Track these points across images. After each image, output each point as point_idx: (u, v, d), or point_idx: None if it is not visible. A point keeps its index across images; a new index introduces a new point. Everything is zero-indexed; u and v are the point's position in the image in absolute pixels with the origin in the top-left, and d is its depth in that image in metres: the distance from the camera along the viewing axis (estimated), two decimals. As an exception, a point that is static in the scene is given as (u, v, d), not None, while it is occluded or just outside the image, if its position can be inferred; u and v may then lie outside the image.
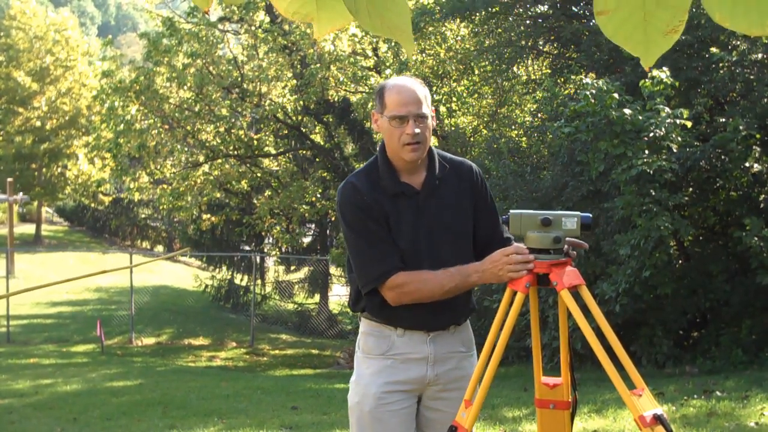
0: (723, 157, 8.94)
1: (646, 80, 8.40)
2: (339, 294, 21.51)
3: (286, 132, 18.47)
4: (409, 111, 2.54)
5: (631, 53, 1.09)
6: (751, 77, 9.36)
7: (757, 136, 8.77)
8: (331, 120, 17.51)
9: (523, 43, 12.89)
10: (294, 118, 18.05)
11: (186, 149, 17.80)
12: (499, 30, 13.37)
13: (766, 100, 9.10)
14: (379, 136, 19.25)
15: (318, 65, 15.71)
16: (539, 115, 12.06)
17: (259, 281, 20.20)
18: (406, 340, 2.61)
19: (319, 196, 17.86)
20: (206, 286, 21.07)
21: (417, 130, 2.54)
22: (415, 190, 2.61)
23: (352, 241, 2.61)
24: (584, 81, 8.90)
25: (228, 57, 17.55)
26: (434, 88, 15.85)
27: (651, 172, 8.16)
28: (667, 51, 1.07)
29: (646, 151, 8.28)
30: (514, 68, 14.09)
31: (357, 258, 2.60)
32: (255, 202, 19.00)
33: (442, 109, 16.03)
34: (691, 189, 9.37)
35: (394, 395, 2.61)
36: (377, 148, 2.67)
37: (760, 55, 9.18)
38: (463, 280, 2.53)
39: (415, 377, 2.62)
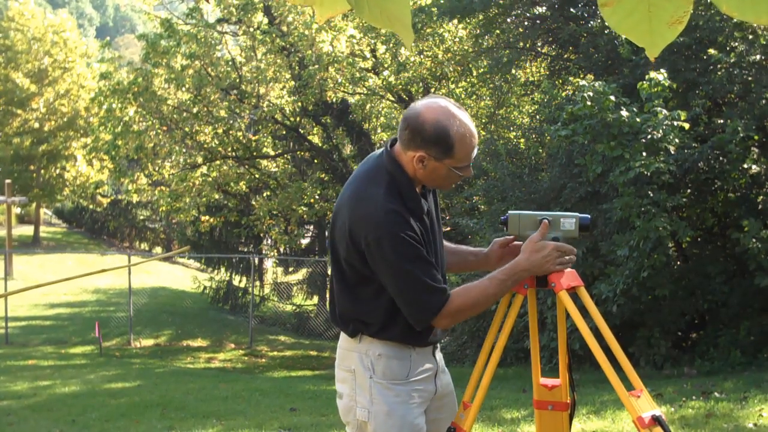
0: (721, 158, 8.94)
1: (644, 82, 8.38)
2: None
3: (285, 133, 18.46)
4: (474, 155, 2.45)
5: (636, 44, 1.09)
6: (749, 78, 9.36)
7: (755, 137, 8.77)
8: (329, 121, 17.51)
9: (521, 44, 12.90)
10: (292, 119, 18.03)
11: (184, 151, 17.78)
12: (497, 31, 13.37)
13: (764, 101, 9.11)
14: (377, 138, 19.07)
15: (316, 66, 15.70)
16: (537, 117, 12.07)
17: (257, 283, 20.18)
18: (420, 357, 2.51)
19: (317, 197, 17.83)
20: (205, 287, 21.07)
21: None
22: (427, 203, 2.50)
23: (402, 274, 2.34)
24: (581, 84, 8.89)
25: (226, 58, 17.54)
26: (432, 90, 15.85)
27: (649, 173, 8.16)
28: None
29: (644, 153, 8.28)
30: (512, 70, 14.09)
31: (412, 290, 2.35)
32: (253, 203, 18.96)
33: (441, 110, 16.01)
34: (689, 190, 9.37)
35: (422, 418, 2.52)
36: (388, 166, 2.41)
37: (758, 57, 9.18)
38: (514, 282, 2.44)
39: (429, 394, 2.55)
